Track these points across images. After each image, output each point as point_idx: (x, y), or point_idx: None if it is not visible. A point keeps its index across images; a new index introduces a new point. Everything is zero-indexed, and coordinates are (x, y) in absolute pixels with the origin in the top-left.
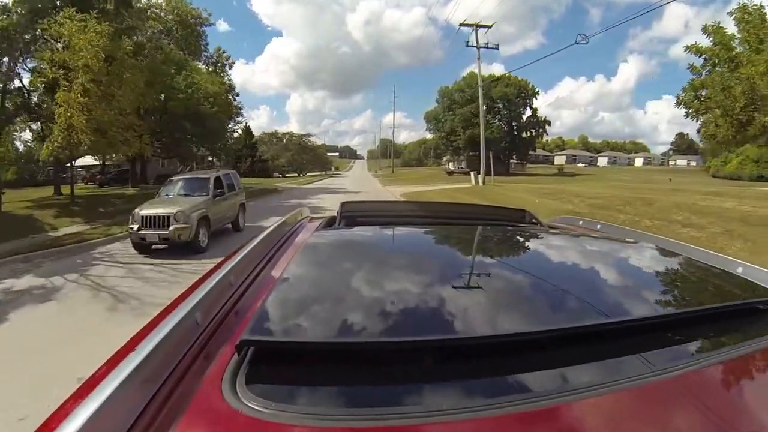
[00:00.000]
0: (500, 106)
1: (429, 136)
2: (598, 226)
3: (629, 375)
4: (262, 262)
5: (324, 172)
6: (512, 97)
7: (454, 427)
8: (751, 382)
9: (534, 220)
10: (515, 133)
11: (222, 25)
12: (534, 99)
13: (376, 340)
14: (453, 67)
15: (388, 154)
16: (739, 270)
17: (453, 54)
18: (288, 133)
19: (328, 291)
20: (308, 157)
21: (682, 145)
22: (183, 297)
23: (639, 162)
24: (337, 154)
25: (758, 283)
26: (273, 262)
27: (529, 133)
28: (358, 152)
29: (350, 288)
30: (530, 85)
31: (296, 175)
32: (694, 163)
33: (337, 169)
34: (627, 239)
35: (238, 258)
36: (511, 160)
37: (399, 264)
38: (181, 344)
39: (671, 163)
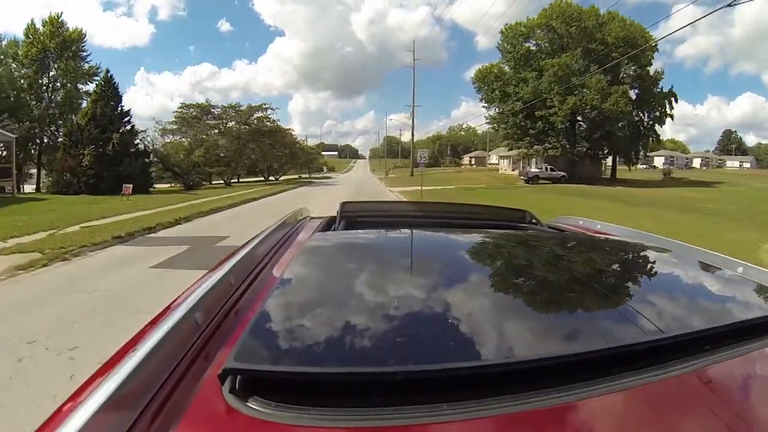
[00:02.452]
0: (618, 55)
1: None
2: (599, 226)
3: (629, 375)
4: (262, 263)
5: (308, 175)
6: (639, 41)
7: (454, 427)
8: (753, 382)
9: (534, 221)
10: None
11: (224, 26)
12: (652, 59)
13: (377, 370)
14: (456, 68)
15: (393, 153)
16: (740, 270)
17: (456, 55)
18: (231, 105)
19: (323, 304)
20: (267, 149)
21: (729, 145)
22: (183, 297)
23: (696, 163)
24: (336, 153)
25: (758, 282)
26: (273, 262)
27: (653, 115)
28: (359, 152)
29: (348, 301)
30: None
31: (263, 179)
32: (747, 165)
33: (332, 170)
34: (627, 239)
35: (238, 258)
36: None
37: (399, 272)
38: (181, 344)
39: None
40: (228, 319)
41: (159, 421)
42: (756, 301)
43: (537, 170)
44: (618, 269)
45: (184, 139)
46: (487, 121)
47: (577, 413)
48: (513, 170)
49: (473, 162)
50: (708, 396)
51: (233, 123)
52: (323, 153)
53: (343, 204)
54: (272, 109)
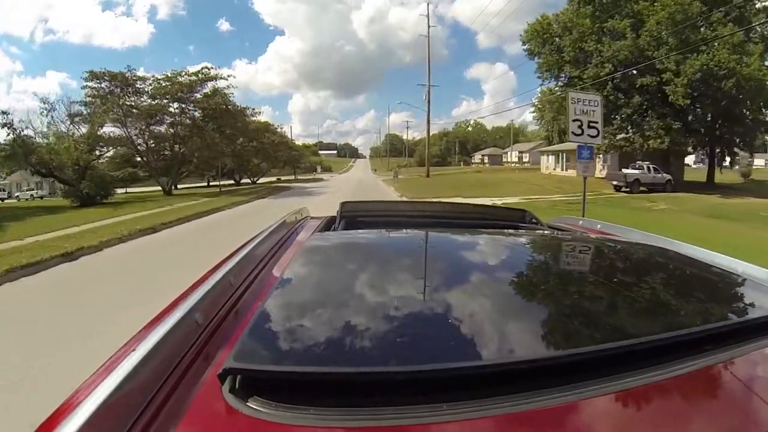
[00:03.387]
0: None
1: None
2: (599, 226)
3: (630, 375)
4: (262, 263)
5: (293, 177)
6: None
7: (453, 427)
8: (754, 382)
9: (534, 221)
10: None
11: (224, 25)
12: None
13: (377, 370)
14: (459, 68)
15: (395, 152)
16: (740, 270)
17: (459, 54)
18: (167, 77)
19: (322, 304)
20: (213, 140)
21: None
22: (183, 297)
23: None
24: (335, 152)
25: (759, 282)
26: (272, 262)
27: None
28: (359, 151)
29: (347, 301)
30: None
31: (233, 183)
32: None
33: (328, 170)
34: (628, 239)
35: (238, 258)
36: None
37: (399, 272)
38: (181, 344)
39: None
40: (228, 319)
41: (159, 421)
42: (756, 301)
43: (637, 171)
44: (618, 269)
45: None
46: (535, 103)
47: (577, 413)
48: (566, 170)
49: (486, 160)
50: (709, 396)
51: (159, 99)
52: (321, 152)
53: (343, 204)
54: (225, 78)
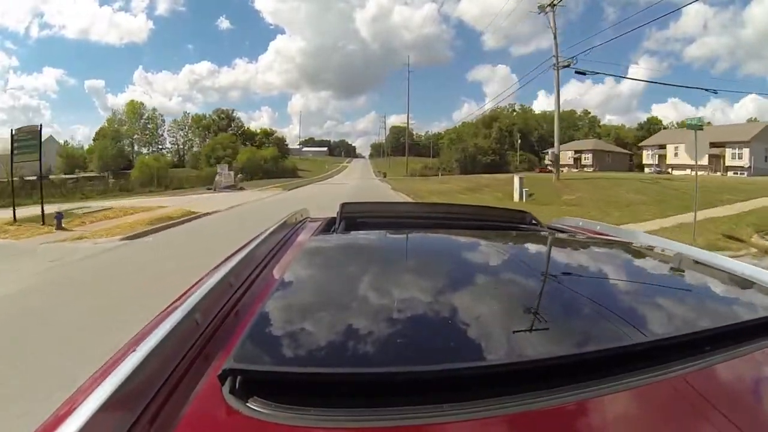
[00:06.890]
0: None
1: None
2: (598, 227)
3: (630, 375)
4: (262, 264)
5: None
6: None
7: (454, 427)
8: (754, 383)
9: (534, 221)
10: None
11: (224, 23)
12: None
13: (378, 371)
14: (462, 68)
15: (399, 150)
16: (740, 270)
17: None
18: None
19: (323, 305)
20: None
21: None
22: (183, 297)
23: None
24: (325, 149)
25: (759, 282)
26: (273, 264)
27: None
28: (358, 150)
29: (348, 302)
30: None
31: None
32: None
33: (294, 172)
34: (627, 240)
35: (238, 259)
36: None
37: (399, 273)
38: (181, 345)
39: None
40: (228, 320)
41: (159, 421)
42: (756, 302)
43: None
44: (618, 270)
45: None
46: None
47: (578, 414)
48: None
49: (586, 161)
50: (710, 396)
51: None
52: (306, 149)
53: (343, 205)
54: None
